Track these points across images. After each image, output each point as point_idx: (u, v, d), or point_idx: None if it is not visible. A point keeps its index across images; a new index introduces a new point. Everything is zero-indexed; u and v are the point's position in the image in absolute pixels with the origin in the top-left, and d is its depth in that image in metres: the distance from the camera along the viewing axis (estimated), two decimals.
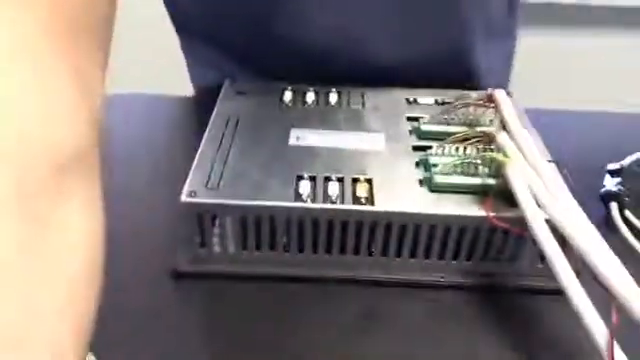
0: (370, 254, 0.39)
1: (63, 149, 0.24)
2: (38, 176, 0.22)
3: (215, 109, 0.47)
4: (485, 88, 0.47)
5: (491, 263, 0.39)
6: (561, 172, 0.39)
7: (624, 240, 0.43)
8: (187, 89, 0.63)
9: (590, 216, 0.36)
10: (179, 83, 0.62)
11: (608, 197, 0.45)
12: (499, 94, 0.41)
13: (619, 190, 0.45)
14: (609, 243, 0.33)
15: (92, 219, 0.25)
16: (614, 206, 0.45)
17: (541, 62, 1.22)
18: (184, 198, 0.37)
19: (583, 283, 0.35)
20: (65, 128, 0.24)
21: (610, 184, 0.46)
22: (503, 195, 0.38)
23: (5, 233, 0.21)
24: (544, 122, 0.47)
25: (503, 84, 0.61)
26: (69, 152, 0.24)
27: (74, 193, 0.24)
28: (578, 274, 0.37)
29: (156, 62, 1.08)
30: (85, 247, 0.24)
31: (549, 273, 0.34)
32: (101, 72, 0.28)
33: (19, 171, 0.22)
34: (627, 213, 0.45)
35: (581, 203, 0.37)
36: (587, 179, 0.46)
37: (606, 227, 0.44)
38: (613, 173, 0.46)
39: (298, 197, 0.37)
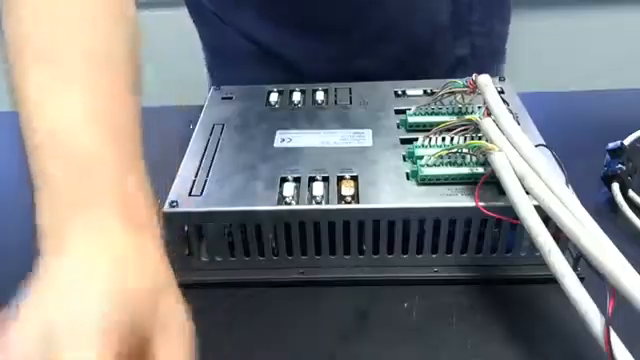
0: (361, 253, 0.38)
1: None
2: None
3: (200, 117, 0.46)
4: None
5: (487, 255, 0.38)
6: (553, 155, 0.37)
7: (628, 221, 0.41)
8: (173, 99, 0.63)
9: (592, 198, 0.34)
10: (166, 94, 0.62)
11: (609, 178, 0.43)
12: (482, 79, 0.39)
13: (619, 170, 0.43)
14: (612, 225, 0.32)
15: None
16: (616, 187, 0.43)
17: (534, 45, 1.18)
18: (166, 208, 0.36)
19: (583, 269, 0.33)
20: None
21: (611, 164, 0.44)
22: (495, 183, 0.36)
23: None
24: (540, 106, 0.46)
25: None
26: None
27: None
28: (578, 259, 0.36)
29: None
30: None
31: None
32: None
33: None
34: (631, 193, 0.43)
35: (582, 185, 0.35)
36: (588, 160, 0.45)
37: (609, 209, 0.43)
38: (614, 152, 0.44)
39: (282, 200, 0.37)
